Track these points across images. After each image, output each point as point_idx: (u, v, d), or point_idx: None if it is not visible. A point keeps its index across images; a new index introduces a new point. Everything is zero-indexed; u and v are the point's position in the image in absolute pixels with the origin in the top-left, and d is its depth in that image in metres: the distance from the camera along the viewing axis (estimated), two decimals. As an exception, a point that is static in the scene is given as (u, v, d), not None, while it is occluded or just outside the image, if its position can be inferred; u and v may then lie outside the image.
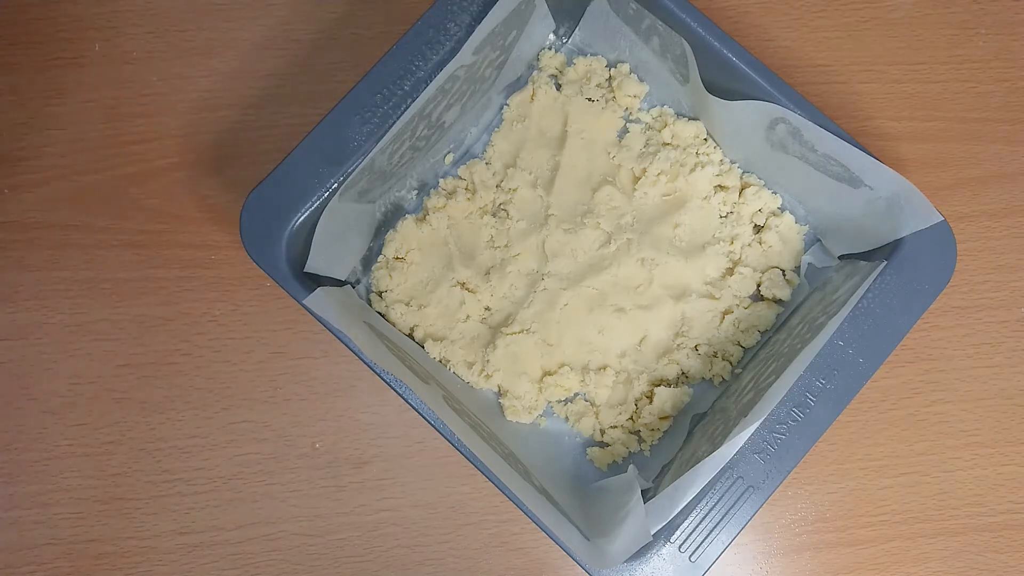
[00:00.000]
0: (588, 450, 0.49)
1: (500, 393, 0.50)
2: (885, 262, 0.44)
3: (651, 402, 0.49)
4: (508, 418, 0.49)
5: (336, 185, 0.44)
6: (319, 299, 0.42)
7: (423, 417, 0.43)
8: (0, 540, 0.51)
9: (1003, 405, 0.52)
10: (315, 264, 0.44)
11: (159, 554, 0.51)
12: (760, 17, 0.54)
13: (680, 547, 0.42)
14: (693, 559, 0.42)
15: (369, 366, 0.43)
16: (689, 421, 0.48)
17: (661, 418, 0.49)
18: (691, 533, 0.42)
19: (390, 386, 0.43)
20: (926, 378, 0.52)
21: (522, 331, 0.49)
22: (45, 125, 0.53)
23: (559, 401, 0.50)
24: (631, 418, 0.49)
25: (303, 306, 0.42)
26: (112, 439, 0.51)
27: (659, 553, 0.42)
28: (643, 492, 0.44)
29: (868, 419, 0.51)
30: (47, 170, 0.53)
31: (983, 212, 0.53)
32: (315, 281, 0.45)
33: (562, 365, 0.49)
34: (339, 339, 0.43)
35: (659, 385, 0.49)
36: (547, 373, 0.49)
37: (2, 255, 0.52)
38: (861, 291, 0.42)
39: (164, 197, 0.53)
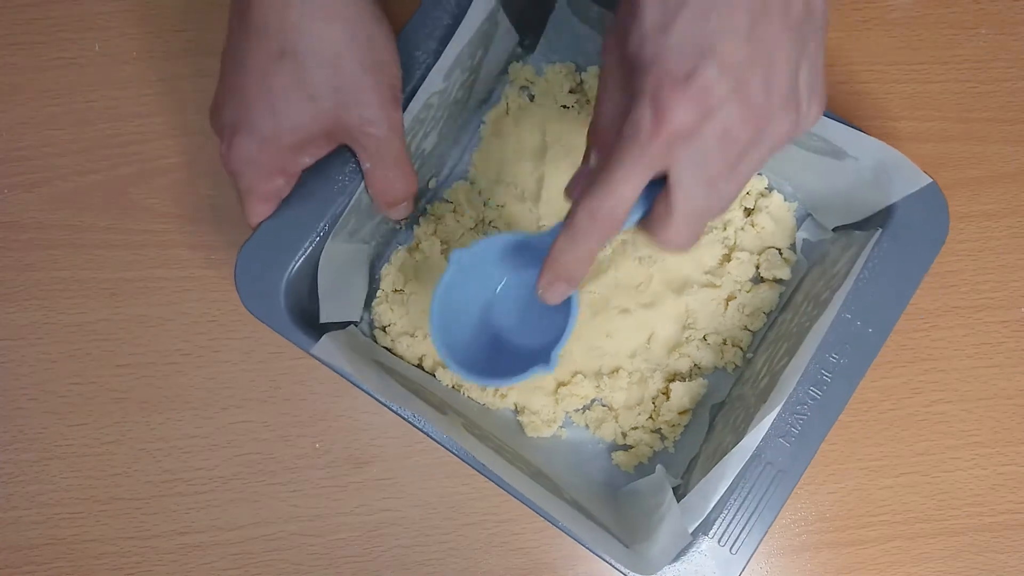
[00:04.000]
0: (613, 454, 0.49)
1: (517, 411, 0.50)
2: (880, 230, 0.43)
3: (668, 398, 0.49)
4: (528, 434, 0.49)
5: (326, 227, 0.43)
6: (326, 347, 0.42)
7: (449, 451, 0.43)
8: (0, 540, 0.51)
9: (1003, 405, 0.52)
10: (328, 313, 0.44)
11: (159, 554, 0.51)
12: (760, 17, 0.54)
13: (719, 540, 0.42)
14: (734, 551, 0.42)
15: (386, 406, 0.43)
16: (709, 412, 0.48)
17: (680, 413, 0.49)
18: (728, 525, 0.42)
19: (412, 424, 0.43)
20: (926, 378, 0.52)
21: None
22: (45, 125, 0.53)
23: (577, 410, 0.50)
24: (651, 417, 0.49)
25: (312, 355, 0.42)
26: (112, 439, 0.51)
27: (699, 549, 0.42)
28: (674, 489, 0.44)
29: (868, 419, 0.51)
30: (47, 170, 0.53)
31: (983, 212, 0.53)
32: (320, 328, 0.44)
33: (575, 373, 0.49)
34: (352, 383, 0.42)
35: (673, 380, 0.49)
36: (561, 384, 0.49)
37: (2, 255, 0.52)
38: (861, 261, 0.42)
39: (164, 197, 0.53)
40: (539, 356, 0.39)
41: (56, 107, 0.53)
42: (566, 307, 0.39)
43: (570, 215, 0.33)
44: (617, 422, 0.49)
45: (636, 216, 0.33)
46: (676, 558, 0.41)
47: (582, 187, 0.33)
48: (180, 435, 0.51)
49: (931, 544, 0.51)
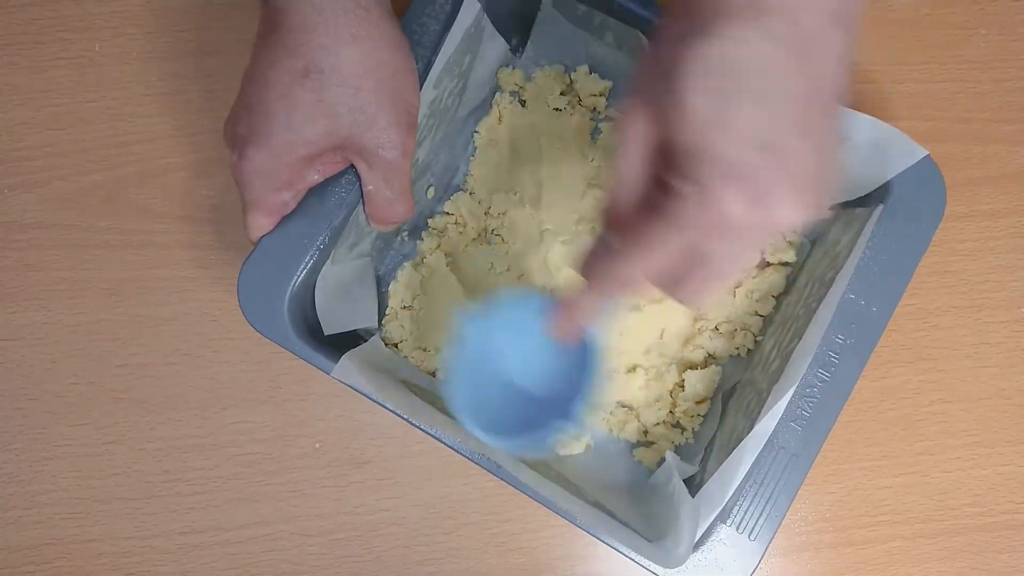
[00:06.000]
0: (635, 451, 0.49)
1: None
2: (881, 206, 0.43)
3: (683, 389, 0.49)
4: (561, 453, 0.49)
5: (327, 240, 0.43)
6: (346, 368, 0.42)
7: (475, 462, 0.43)
8: (0, 540, 0.51)
9: (1002, 405, 0.52)
10: (333, 325, 0.44)
11: (159, 554, 0.51)
12: (760, 17, 0.54)
13: (738, 528, 0.42)
14: (752, 537, 0.42)
15: (410, 422, 0.42)
16: (720, 398, 0.48)
17: (697, 402, 0.49)
18: (745, 512, 0.42)
19: (433, 437, 0.43)
20: (926, 378, 0.52)
21: None
22: (45, 125, 0.53)
23: (602, 418, 0.50)
24: (670, 411, 0.49)
25: (333, 378, 0.42)
26: (112, 439, 0.51)
27: (719, 538, 0.42)
28: (691, 477, 0.45)
29: (868, 419, 0.51)
30: (47, 170, 0.53)
31: (982, 212, 0.53)
32: (326, 340, 0.44)
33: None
34: (372, 400, 0.42)
35: (687, 370, 0.49)
36: None
37: (2, 255, 0.52)
38: (863, 240, 0.42)
39: (164, 197, 0.53)
40: (565, 411, 0.37)
41: (56, 107, 0.53)
42: (589, 362, 0.38)
43: (595, 277, 0.33)
44: (639, 421, 0.49)
45: None
46: (696, 547, 0.42)
47: (603, 262, 0.33)
48: (180, 435, 0.51)
49: (930, 544, 0.51)
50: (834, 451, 0.51)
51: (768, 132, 0.27)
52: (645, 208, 0.31)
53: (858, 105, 0.53)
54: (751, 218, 0.28)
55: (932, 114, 0.53)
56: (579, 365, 0.38)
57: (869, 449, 0.51)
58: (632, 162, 0.31)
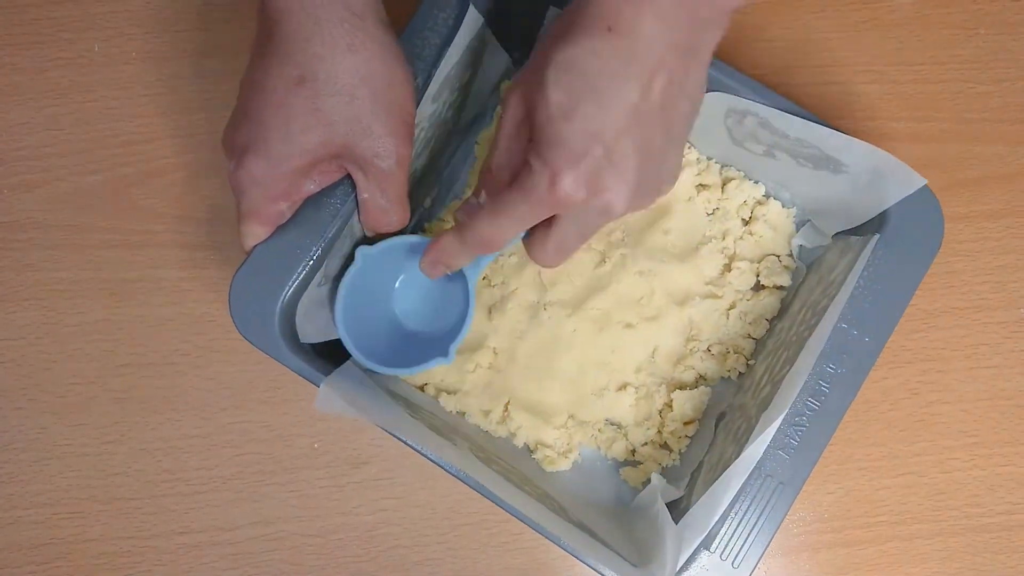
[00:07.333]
0: (621, 470, 0.49)
1: (531, 449, 0.49)
2: (878, 235, 0.43)
3: (672, 409, 0.49)
4: (547, 469, 0.49)
5: (320, 251, 0.42)
6: (327, 397, 0.41)
7: (456, 477, 0.42)
8: (0, 540, 0.51)
9: (1001, 406, 0.52)
10: (309, 334, 0.44)
11: (159, 554, 0.51)
12: (759, 17, 0.54)
13: (721, 555, 0.41)
14: (735, 565, 0.41)
15: (398, 438, 0.42)
16: (713, 422, 0.48)
17: (686, 423, 0.49)
18: (730, 539, 0.42)
19: (419, 452, 0.42)
20: (925, 379, 0.52)
21: (536, 376, 0.49)
22: (45, 125, 0.53)
23: (590, 434, 0.50)
24: (659, 431, 0.49)
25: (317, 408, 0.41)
26: (112, 439, 0.51)
27: (702, 565, 0.41)
28: (676, 501, 0.44)
29: (867, 420, 0.51)
30: (47, 170, 0.53)
31: (982, 213, 0.53)
32: (328, 354, 0.44)
33: (583, 396, 0.49)
34: (361, 417, 0.42)
35: (676, 391, 0.49)
36: (571, 416, 0.49)
37: (2, 255, 0.52)
38: (858, 269, 0.42)
39: (164, 197, 0.53)
40: (441, 348, 0.44)
41: (56, 107, 0.53)
42: (466, 303, 0.44)
43: (461, 227, 0.38)
44: (627, 439, 0.49)
45: (520, 236, 0.39)
46: (678, 573, 0.41)
47: (468, 214, 0.38)
48: (180, 435, 0.51)
49: (929, 544, 0.51)
50: (833, 452, 0.51)
51: (602, 130, 0.33)
52: (512, 178, 0.36)
53: (857, 105, 0.53)
54: (586, 200, 0.34)
55: (931, 115, 0.53)
56: (455, 309, 0.45)
57: (868, 450, 0.51)
58: (507, 135, 0.37)
